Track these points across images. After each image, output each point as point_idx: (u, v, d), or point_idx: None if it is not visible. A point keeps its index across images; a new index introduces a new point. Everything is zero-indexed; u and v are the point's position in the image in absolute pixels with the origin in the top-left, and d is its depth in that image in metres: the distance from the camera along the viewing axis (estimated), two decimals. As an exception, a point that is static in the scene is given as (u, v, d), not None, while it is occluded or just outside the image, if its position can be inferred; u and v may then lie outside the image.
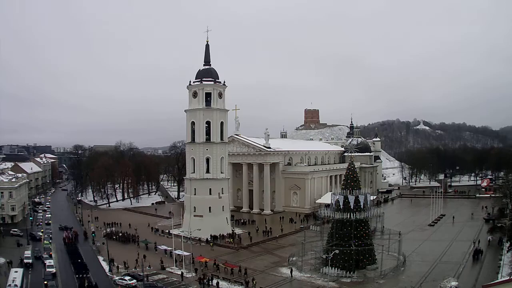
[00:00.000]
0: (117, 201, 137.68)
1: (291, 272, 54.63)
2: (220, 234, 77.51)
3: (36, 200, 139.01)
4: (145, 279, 51.08)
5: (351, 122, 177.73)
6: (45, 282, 50.52)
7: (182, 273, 55.22)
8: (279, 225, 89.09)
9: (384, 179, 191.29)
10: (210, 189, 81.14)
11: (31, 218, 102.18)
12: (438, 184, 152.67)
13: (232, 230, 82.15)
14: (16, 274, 50.91)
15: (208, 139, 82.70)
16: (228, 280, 52.76)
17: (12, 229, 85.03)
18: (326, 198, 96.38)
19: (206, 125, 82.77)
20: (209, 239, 74.97)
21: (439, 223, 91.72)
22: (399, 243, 60.50)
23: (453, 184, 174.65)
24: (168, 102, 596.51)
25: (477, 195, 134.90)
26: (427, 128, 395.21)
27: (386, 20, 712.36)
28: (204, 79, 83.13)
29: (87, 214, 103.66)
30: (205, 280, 51.28)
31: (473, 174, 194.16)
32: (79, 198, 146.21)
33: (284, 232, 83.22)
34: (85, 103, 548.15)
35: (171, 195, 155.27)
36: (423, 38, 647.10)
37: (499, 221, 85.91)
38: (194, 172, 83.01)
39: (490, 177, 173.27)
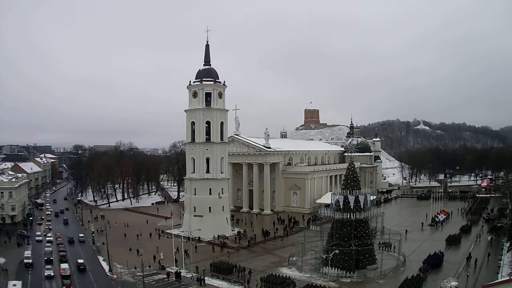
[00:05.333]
0: (117, 201, 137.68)
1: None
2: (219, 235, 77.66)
3: (38, 201, 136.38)
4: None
5: (351, 122, 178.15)
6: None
7: (177, 272, 55.04)
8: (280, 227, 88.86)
9: (384, 179, 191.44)
10: (210, 189, 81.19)
11: (31, 218, 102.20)
12: (438, 184, 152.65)
13: (239, 231, 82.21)
14: None
15: (208, 139, 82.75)
16: (228, 280, 52.78)
17: (19, 230, 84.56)
18: (326, 198, 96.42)
19: (206, 125, 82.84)
20: (222, 240, 74.56)
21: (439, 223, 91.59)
22: (399, 243, 60.56)
23: (453, 184, 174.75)
24: (168, 102, 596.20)
25: (477, 195, 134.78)
26: (427, 128, 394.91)
27: (385, 23, 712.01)
28: (204, 79, 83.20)
29: (90, 214, 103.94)
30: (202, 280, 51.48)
31: (473, 174, 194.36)
32: (79, 198, 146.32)
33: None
34: (85, 102, 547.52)
35: (171, 195, 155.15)
36: (423, 38, 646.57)
37: (499, 221, 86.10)
38: (194, 172, 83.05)
39: (490, 177, 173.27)
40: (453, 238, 71.89)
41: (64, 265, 57.91)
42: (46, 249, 66.14)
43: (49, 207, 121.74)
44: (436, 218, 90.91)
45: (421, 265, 55.88)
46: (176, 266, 59.07)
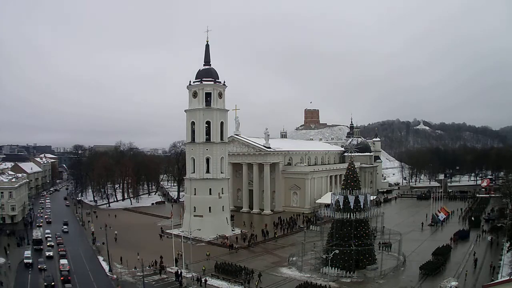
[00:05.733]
0: (117, 201, 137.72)
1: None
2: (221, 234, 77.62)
3: (34, 234, 77.62)
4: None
5: (351, 122, 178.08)
6: (45, 284, 50.47)
7: (177, 272, 55.01)
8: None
9: (384, 179, 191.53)
10: (210, 189, 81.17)
11: (31, 218, 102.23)
12: (438, 184, 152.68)
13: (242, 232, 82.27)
14: None
15: (208, 139, 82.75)
16: (228, 280, 52.76)
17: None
18: (326, 198, 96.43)
19: (206, 125, 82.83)
20: (222, 241, 74.23)
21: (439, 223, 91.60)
22: (399, 243, 60.61)
23: (453, 184, 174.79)
24: (168, 102, 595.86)
25: (477, 195, 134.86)
26: (427, 128, 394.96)
27: (384, 21, 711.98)
28: (204, 79, 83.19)
29: (90, 214, 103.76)
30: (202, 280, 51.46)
31: (473, 174, 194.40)
32: (79, 198, 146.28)
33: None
34: (85, 102, 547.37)
35: (171, 195, 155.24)
36: (423, 38, 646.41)
37: (499, 221, 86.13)
38: (194, 172, 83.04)
39: (490, 177, 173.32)
40: (476, 222, 79.95)
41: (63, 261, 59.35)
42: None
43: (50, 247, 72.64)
44: (436, 216, 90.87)
45: (452, 236, 72.44)
46: (176, 266, 59.08)
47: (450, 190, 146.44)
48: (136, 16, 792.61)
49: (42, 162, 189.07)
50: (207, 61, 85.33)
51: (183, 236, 67.07)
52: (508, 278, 39.67)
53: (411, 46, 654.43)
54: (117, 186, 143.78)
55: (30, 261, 61.16)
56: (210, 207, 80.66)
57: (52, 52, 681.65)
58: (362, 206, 55.85)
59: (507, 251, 60.78)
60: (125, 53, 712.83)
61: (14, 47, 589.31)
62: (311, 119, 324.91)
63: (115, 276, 55.57)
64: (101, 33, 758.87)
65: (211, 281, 52.75)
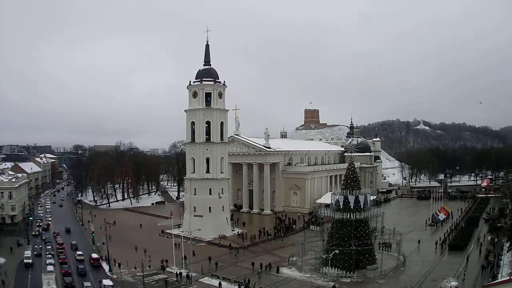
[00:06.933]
0: (117, 201, 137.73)
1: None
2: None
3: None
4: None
5: (351, 122, 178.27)
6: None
7: (178, 273, 55.12)
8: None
9: (384, 179, 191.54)
10: (210, 189, 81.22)
11: (31, 218, 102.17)
12: (438, 184, 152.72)
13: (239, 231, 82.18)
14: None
15: (208, 139, 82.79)
16: (228, 280, 52.78)
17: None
18: (326, 198, 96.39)
19: (206, 125, 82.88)
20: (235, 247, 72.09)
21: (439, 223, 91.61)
22: (399, 243, 60.60)
23: (453, 184, 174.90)
24: (168, 102, 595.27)
25: (478, 195, 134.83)
26: (427, 128, 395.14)
27: (384, 20, 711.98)
28: (204, 79, 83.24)
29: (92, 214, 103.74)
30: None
31: (473, 174, 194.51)
32: (79, 198, 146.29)
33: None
34: (85, 102, 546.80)
35: (171, 195, 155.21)
36: (419, 38, 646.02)
37: (499, 221, 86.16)
38: (194, 172, 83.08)
39: (490, 177, 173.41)
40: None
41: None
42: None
43: None
44: (436, 216, 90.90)
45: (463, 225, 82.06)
46: (176, 266, 59.10)
47: (450, 190, 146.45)
48: (139, 14, 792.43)
49: (42, 162, 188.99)
50: (207, 61, 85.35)
51: (183, 236, 67.15)
52: (508, 278, 39.68)
53: (411, 42, 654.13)
54: (117, 186, 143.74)
55: (30, 261, 61.09)
56: (210, 207, 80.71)
57: (52, 52, 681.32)
58: (362, 206, 55.87)
59: (507, 251, 60.80)
60: (125, 53, 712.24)
61: (14, 48, 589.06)
62: (311, 119, 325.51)
63: (115, 276, 55.58)
64: (101, 33, 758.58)
65: (211, 281, 52.83)
